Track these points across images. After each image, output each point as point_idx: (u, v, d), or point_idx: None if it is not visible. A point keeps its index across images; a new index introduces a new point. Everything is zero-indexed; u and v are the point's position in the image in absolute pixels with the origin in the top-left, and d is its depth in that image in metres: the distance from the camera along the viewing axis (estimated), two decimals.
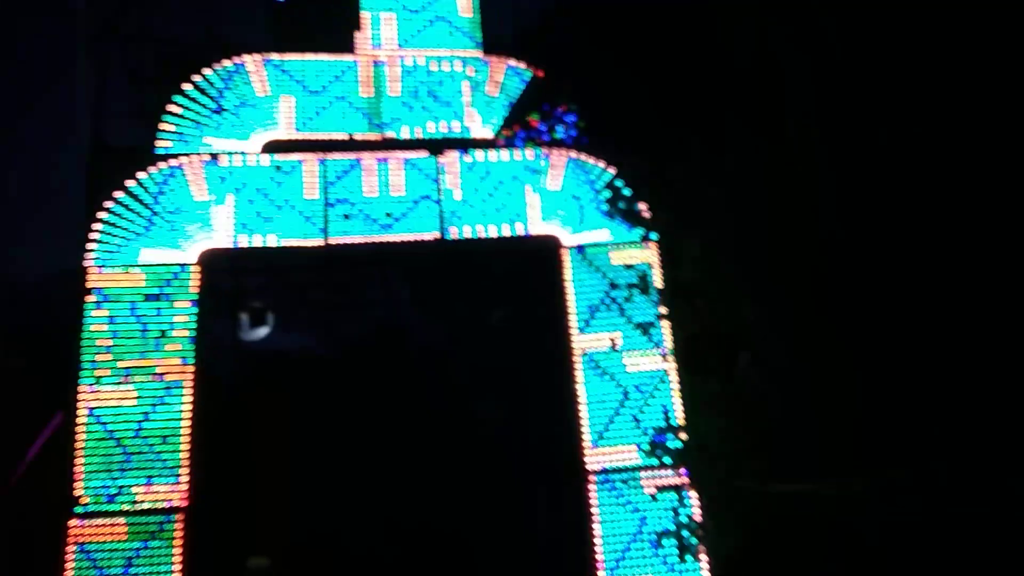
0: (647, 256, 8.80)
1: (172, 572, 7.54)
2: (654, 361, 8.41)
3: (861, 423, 7.25)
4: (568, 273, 8.87)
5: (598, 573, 7.79)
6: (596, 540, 7.88)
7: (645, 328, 8.51)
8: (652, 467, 7.99)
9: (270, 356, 10.00)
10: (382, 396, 10.32)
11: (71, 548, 7.52)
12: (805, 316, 7.80)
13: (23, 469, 8.23)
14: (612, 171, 9.09)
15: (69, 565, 7.47)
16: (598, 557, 7.82)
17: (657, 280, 8.63)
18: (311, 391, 10.35)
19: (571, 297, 8.78)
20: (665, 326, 8.43)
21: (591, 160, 9.16)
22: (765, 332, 7.51)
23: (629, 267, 8.77)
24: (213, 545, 7.85)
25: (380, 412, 10.06)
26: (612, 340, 8.52)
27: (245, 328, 9.94)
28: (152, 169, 8.73)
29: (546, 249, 9.02)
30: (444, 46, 9.65)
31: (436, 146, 9.23)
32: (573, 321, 8.69)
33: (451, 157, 9.15)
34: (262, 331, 10.15)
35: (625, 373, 8.40)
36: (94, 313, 8.26)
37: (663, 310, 8.44)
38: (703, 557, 7.63)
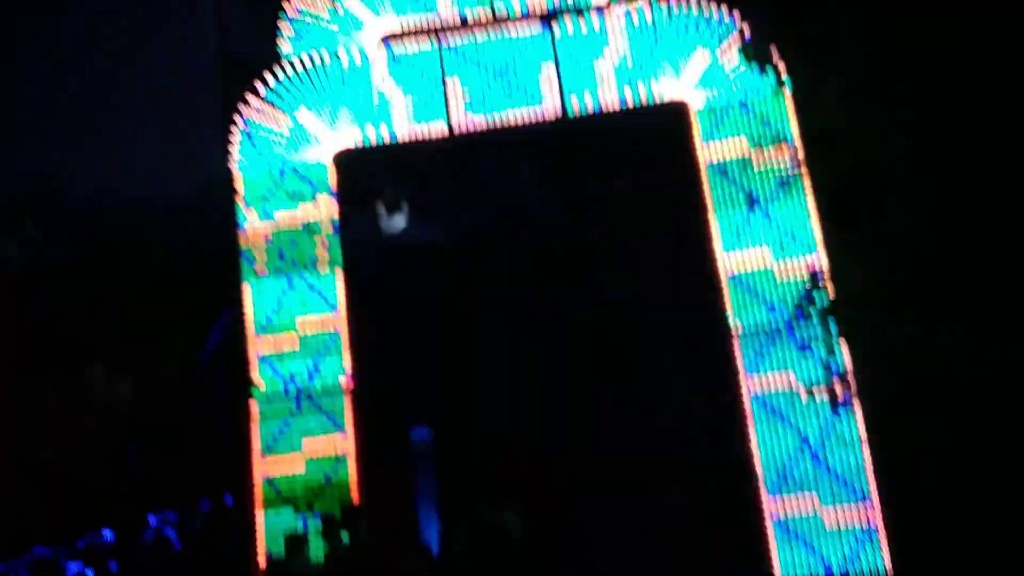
0: (782, 106, 8.39)
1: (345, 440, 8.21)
2: (796, 218, 8.16)
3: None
4: (698, 138, 8.61)
5: (747, 428, 7.86)
6: (743, 396, 7.92)
7: (785, 186, 8.22)
8: (799, 321, 7.87)
9: (408, 246, 10.39)
10: (514, 274, 10.60)
11: (254, 426, 8.29)
12: (955, 158, 7.24)
13: (204, 361, 9.07)
14: (739, 20, 8.60)
15: (255, 442, 8.25)
16: (746, 411, 7.87)
17: (795, 130, 8.25)
18: (448, 277, 10.75)
19: (702, 162, 8.55)
20: (806, 178, 8.11)
21: (717, 10, 8.69)
22: (912, 175, 7.05)
23: (765, 121, 8.40)
24: (377, 421, 8.43)
25: (513, 288, 10.34)
26: (750, 201, 8.29)
27: (383, 220, 10.32)
28: (278, 73, 9.02)
29: (674, 115, 8.75)
30: None
31: (548, 17, 9.00)
32: (706, 186, 8.48)
33: (565, 27, 8.92)
34: (399, 222, 10.51)
35: (768, 234, 8.21)
36: (246, 214, 8.80)
37: (802, 161, 8.10)
38: (856, 408, 7.56)
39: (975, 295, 7.11)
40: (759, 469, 7.74)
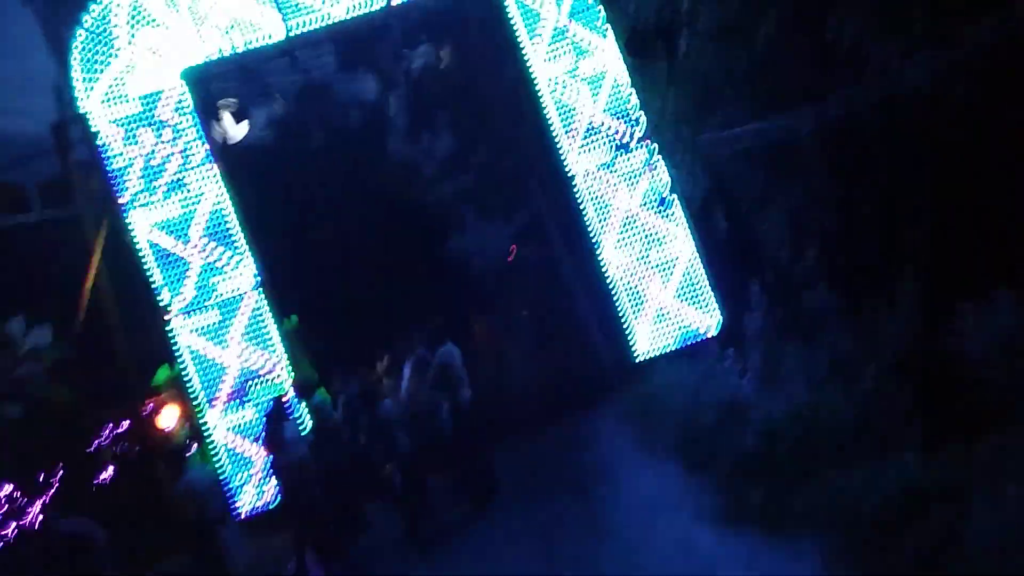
0: None
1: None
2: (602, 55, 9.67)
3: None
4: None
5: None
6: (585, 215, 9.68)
7: (588, 24, 9.64)
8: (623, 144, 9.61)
9: (268, 147, 10.91)
10: (358, 154, 11.45)
11: (182, 344, 9.02)
12: None
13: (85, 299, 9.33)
14: None
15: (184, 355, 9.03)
16: (592, 229, 9.66)
17: None
18: (307, 167, 11.36)
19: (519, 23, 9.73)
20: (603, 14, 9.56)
21: None
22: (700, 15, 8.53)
23: None
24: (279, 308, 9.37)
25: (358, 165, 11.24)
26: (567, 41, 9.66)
27: (230, 128, 10.76)
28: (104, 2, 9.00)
29: None
30: None
31: None
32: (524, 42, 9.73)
33: None
34: (244, 127, 10.95)
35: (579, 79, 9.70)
36: (113, 150, 9.02)
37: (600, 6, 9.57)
38: (676, 204, 9.54)
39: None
40: None
